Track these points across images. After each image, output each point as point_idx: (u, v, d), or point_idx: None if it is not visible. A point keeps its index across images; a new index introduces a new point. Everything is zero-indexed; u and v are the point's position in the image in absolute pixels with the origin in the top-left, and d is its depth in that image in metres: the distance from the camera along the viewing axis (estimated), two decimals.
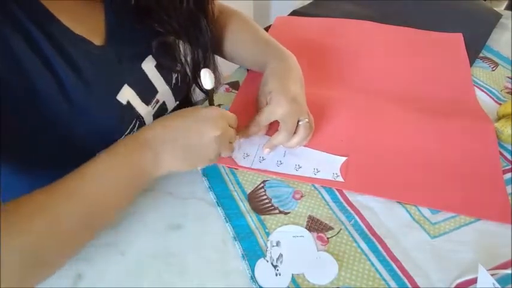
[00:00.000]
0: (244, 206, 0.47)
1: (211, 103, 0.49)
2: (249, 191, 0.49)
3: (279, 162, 0.52)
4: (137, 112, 0.51)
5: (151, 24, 0.51)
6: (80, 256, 0.43)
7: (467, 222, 0.45)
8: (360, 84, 0.66)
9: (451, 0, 0.90)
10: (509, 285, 0.39)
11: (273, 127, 0.55)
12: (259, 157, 0.53)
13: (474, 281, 0.39)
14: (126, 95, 0.49)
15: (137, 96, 0.51)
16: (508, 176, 0.50)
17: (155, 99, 0.54)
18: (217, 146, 0.45)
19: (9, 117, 0.39)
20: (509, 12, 0.88)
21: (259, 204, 0.47)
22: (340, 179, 0.50)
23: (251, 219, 0.46)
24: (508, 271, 0.40)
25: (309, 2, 0.98)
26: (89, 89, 0.44)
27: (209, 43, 0.57)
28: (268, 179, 0.50)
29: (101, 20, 0.48)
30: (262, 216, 0.46)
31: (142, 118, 0.52)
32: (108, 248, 0.43)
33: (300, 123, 0.51)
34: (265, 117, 0.52)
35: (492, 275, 0.39)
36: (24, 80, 0.39)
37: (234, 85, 0.67)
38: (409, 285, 0.39)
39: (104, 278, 0.41)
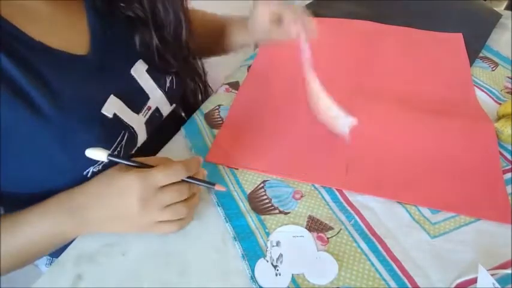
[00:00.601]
0: (244, 206, 0.47)
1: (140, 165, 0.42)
2: (249, 191, 0.49)
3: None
4: (126, 123, 0.49)
5: (119, 5, 0.49)
6: (80, 256, 0.43)
7: (467, 222, 0.45)
8: (359, 84, 0.66)
9: (451, 0, 0.90)
10: (509, 285, 0.39)
11: None
12: None
13: (474, 281, 0.39)
14: (113, 106, 0.47)
15: (125, 106, 0.49)
16: (508, 176, 0.50)
17: (146, 107, 0.52)
18: (140, 219, 0.40)
19: None
20: (509, 12, 0.88)
21: (259, 204, 0.47)
22: (347, 137, 0.51)
23: (251, 219, 0.46)
24: (508, 271, 0.40)
25: (309, 2, 0.98)
26: (67, 108, 0.41)
27: (180, 13, 0.53)
28: (268, 179, 0.50)
29: (83, 24, 0.46)
30: (262, 216, 0.46)
31: (133, 128, 0.50)
32: (108, 248, 0.43)
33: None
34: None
35: (492, 275, 0.39)
36: None
37: (234, 85, 0.67)
38: (409, 285, 0.39)
39: (104, 278, 0.41)
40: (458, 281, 0.40)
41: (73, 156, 0.42)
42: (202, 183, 0.42)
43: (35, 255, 0.43)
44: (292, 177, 0.50)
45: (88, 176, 0.45)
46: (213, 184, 0.43)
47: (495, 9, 0.89)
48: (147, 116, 0.53)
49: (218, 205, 0.47)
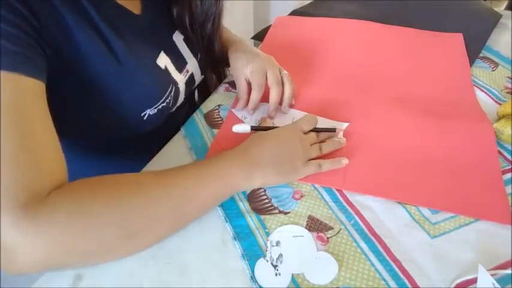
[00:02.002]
0: (244, 206, 0.47)
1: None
2: (249, 191, 0.49)
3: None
4: (173, 78, 0.56)
5: None
6: None
7: (467, 222, 0.45)
8: (359, 84, 0.66)
9: (451, 0, 0.90)
10: (509, 285, 0.39)
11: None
12: (271, 123, 0.58)
13: (474, 281, 0.39)
14: (163, 60, 0.54)
15: (172, 64, 0.56)
16: (508, 176, 0.50)
17: (185, 69, 0.59)
18: (302, 150, 0.48)
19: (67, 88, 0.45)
20: (509, 12, 0.88)
21: (259, 204, 0.47)
22: (343, 141, 0.54)
23: (251, 219, 0.46)
24: (508, 271, 0.40)
25: (309, 2, 0.98)
26: (132, 52, 0.49)
27: (213, 9, 0.59)
28: None
29: None
30: (262, 216, 0.46)
31: (177, 84, 0.57)
32: None
33: (281, 74, 0.59)
34: (237, 82, 0.61)
35: (492, 275, 0.39)
36: (75, 47, 0.43)
37: (234, 84, 0.67)
38: (409, 285, 0.39)
39: (104, 278, 0.41)
40: (458, 281, 0.40)
41: (135, 98, 0.50)
42: (326, 130, 0.54)
43: (205, 206, 0.45)
44: None
45: (144, 118, 0.52)
46: (334, 130, 0.54)
47: (495, 9, 0.89)
48: (186, 78, 0.60)
49: (218, 205, 0.47)
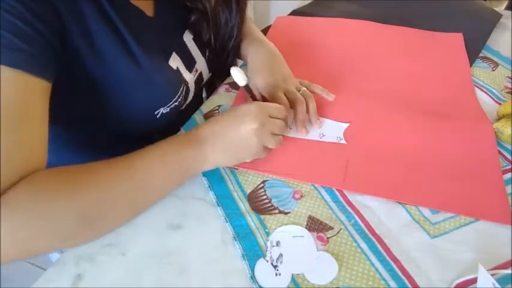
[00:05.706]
0: (244, 206, 0.47)
1: (253, 98, 0.49)
2: (249, 191, 0.49)
3: (288, 128, 0.56)
4: (184, 78, 0.57)
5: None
6: (80, 256, 0.43)
7: (467, 222, 0.45)
8: (359, 84, 0.66)
9: (451, 0, 0.90)
10: (509, 285, 0.39)
11: None
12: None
13: (474, 281, 0.39)
14: (175, 61, 0.56)
15: (183, 64, 0.57)
16: (508, 176, 0.50)
17: (195, 68, 0.61)
18: (257, 139, 0.46)
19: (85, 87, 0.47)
20: (509, 12, 0.88)
21: (259, 204, 0.47)
22: (344, 141, 0.54)
23: (251, 219, 0.46)
24: (508, 271, 0.40)
25: (309, 2, 0.98)
26: (148, 53, 0.49)
27: (236, 30, 0.62)
28: (268, 179, 0.50)
29: None
30: (262, 216, 0.46)
31: (187, 83, 0.58)
32: (108, 248, 0.43)
33: (300, 92, 0.57)
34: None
35: (492, 275, 0.39)
36: (95, 48, 0.44)
37: (234, 85, 0.67)
38: (409, 285, 0.39)
39: (104, 278, 0.41)
40: (458, 281, 0.40)
41: (149, 98, 0.51)
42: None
43: (160, 193, 0.46)
44: (291, 177, 0.50)
45: (158, 116, 0.52)
46: None
47: (495, 9, 0.89)
48: (196, 77, 0.61)
49: (218, 205, 0.47)
